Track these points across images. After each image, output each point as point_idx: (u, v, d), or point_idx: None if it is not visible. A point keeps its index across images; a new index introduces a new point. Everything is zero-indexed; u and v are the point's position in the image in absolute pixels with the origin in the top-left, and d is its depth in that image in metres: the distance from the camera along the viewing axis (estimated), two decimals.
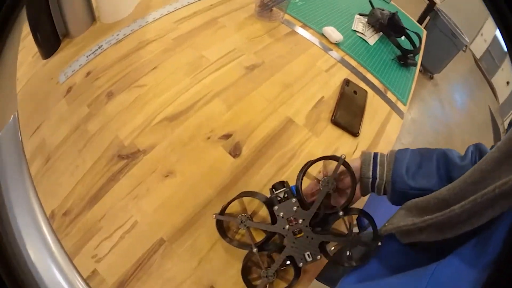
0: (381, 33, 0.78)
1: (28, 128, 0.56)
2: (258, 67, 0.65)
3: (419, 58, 0.77)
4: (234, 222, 0.41)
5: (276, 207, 0.40)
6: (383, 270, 0.33)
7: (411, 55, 0.73)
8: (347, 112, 0.60)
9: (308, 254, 0.40)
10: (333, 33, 0.73)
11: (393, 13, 0.76)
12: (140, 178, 0.47)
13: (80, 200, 0.47)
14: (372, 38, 0.77)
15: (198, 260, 0.42)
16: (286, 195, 0.41)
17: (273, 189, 0.42)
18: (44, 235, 0.47)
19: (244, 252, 0.41)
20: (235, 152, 0.51)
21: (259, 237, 0.42)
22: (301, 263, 0.40)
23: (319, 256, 0.40)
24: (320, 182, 0.40)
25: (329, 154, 0.42)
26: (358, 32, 0.79)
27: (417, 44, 0.76)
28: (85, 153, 0.51)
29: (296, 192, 0.41)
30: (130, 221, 0.44)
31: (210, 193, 0.46)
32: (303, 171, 0.41)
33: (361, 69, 0.70)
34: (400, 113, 0.66)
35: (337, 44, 0.74)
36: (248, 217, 0.41)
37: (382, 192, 0.38)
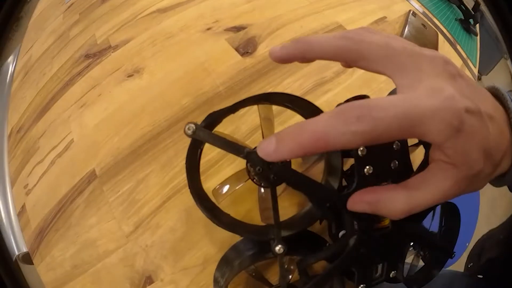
0: None
1: (23, 50, 0.48)
2: None
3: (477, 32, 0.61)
4: (238, 156, 0.15)
5: (361, 149, 0.16)
6: None
7: (472, 20, 0.59)
8: (417, 40, 0.43)
9: (380, 267, 0.18)
10: None
11: None
12: (98, 80, 0.30)
13: (33, 112, 0.34)
14: None
15: (135, 223, 0.21)
16: None
17: None
18: (3, 158, 0.37)
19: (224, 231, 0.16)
20: (246, 48, 0.28)
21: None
22: (361, 286, 0.17)
23: (393, 273, 0.18)
24: None
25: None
26: None
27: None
28: (56, 59, 0.38)
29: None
30: (65, 140, 0.28)
31: (185, 104, 0.25)
32: None
33: (427, 12, 0.52)
34: (472, 74, 0.48)
35: None
36: None
37: None
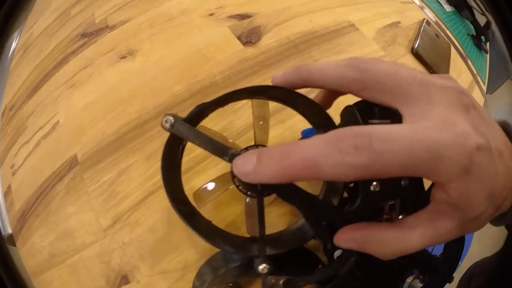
0: (453, 8, 0.62)
1: (26, 27, 0.47)
2: None
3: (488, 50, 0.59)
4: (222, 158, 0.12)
5: None
6: None
7: (483, 37, 0.58)
8: (431, 49, 0.42)
9: None
10: None
11: None
12: (91, 60, 0.28)
13: (26, 90, 0.33)
14: (447, 6, 0.61)
15: (113, 217, 0.20)
16: None
17: (360, 116, 0.13)
18: None
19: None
20: (249, 37, 0.26)
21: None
22: None
23: None
24: None
25: None
26: None
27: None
28: (54, 37, 0.36)
29: None
30: (52, 121, 0.26)
31: (177, 91, 0.23)
32: None
33: (440, 23, 0.50)
34: (481, 91, 0.45)
35: None
36: None
37: None
